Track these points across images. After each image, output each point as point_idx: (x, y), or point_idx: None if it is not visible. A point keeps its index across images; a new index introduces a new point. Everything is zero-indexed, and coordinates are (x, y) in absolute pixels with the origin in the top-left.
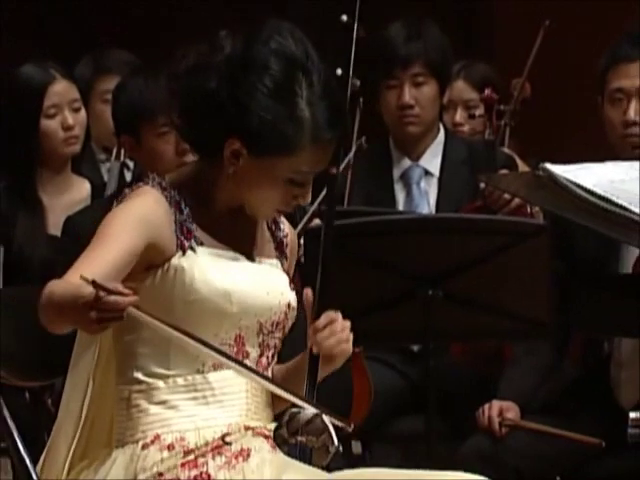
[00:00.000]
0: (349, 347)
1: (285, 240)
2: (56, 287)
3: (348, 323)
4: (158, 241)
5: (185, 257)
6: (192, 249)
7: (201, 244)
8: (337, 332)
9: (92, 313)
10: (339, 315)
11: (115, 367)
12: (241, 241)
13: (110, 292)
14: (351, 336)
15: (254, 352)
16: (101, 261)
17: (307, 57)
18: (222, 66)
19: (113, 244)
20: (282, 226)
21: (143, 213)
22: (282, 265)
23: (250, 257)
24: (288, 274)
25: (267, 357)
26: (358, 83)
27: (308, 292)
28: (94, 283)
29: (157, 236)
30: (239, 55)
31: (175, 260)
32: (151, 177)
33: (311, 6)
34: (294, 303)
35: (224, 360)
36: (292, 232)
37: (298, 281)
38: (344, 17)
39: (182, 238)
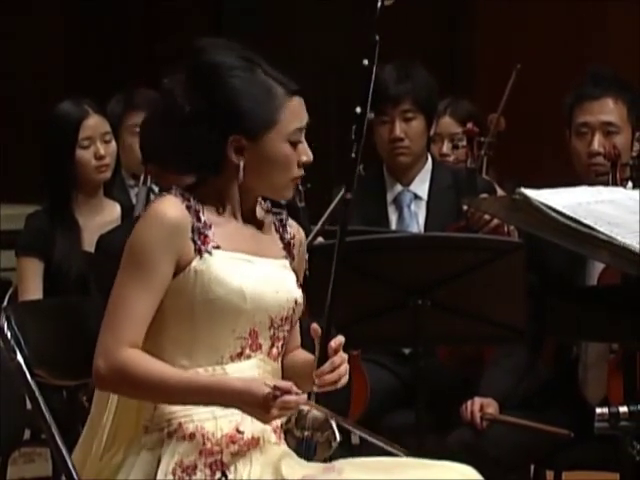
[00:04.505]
0: (345, 380)
1: (292, 241)
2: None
3: (346, 356)
4: (181, 252)
5: (203, 260)
6: (209, 253)
7: (217, 248)
8: (336, 365)
9: (273, 411)
10: (340, 348)
11: None
12: (253, 245)
13: (284, 392)
14: (347, 367)
15: (266, 344)
16: (146, 307)
17: (241, 48)
18: (186, 91)
19: (148, 287)
20: (289, 229)
21: (161, 237)
22: (290, 264)
23: (261, 258)
24: (296, 272)
25: (277, 347)
26: (372, 115)
27: (316, 327)
28: (275, 387)
29: (178, 250)
30: (194, 72)
31: (194, 263)
32: (174, 187)
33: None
34: (300, 299)
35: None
36: (299, 233)
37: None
38: (365, 61)
39: (199, 243)
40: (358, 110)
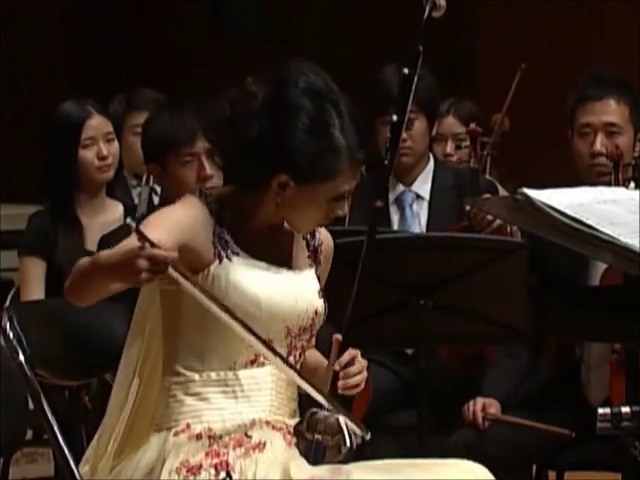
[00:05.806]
0: (362, 387)
1: (320, 248)
2: (99, 255)
3: (365, 363)
4: (192, 246)
5: (221, 265)
6: (228, 258)
7: (237, 254)
8: (352, 374)
9: (141, 261)
10: (358, 354)
11: (162, 362)
12: (276, 253)
13: (153, 245)
14: (365, 374)
15: (282, 352)
16: None
17: (331, 90)
18: (259, 113)
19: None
20: (317, 235)
21: (178, 219)
22: (315, 271)
23: (284, 267)
24: (320, 280)
25: (294, 356)
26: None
27: (337, 338)
28: (138, 230)
29: (190, 241)
30: (273, 100)
31: (212, 268)
32: (199, 189)
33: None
34: (321, 310)
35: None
36: (327, 239)
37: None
38: (405, 70)
39: (219, 248)
40: (394, 118)
